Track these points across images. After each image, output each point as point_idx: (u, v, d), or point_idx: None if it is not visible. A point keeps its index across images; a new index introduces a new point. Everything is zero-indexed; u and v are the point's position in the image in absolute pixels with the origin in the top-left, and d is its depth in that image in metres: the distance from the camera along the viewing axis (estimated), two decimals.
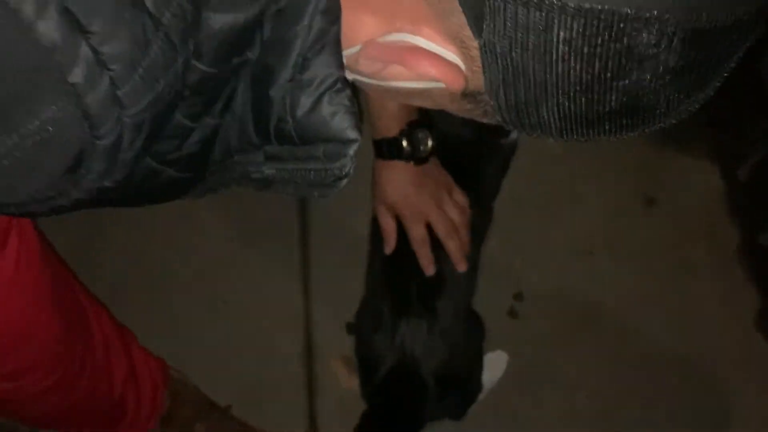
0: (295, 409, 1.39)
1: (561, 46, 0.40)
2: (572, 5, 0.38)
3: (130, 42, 0.35)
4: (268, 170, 0.52)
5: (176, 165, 0.46)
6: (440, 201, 1.12)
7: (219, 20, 0.40)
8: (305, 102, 0.46)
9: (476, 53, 0.43)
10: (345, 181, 0.50)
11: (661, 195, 1.60)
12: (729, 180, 1.60)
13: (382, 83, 0.49)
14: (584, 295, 1.51)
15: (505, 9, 0.39)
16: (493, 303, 1.41)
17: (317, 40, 0.45)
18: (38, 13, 0.32)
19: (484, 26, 0.41)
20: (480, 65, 0.43)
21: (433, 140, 0.97)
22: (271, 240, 1.51)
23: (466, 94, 0.47)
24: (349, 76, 0.50)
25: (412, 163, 1.05)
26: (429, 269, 1.14)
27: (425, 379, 1.16)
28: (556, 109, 0.43)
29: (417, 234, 1.13)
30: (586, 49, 0.40)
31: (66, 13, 0.33)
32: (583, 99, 0.42)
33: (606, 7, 0.38)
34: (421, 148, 0.97)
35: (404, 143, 0.99)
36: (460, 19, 0.41)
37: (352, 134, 0.48)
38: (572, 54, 0.40)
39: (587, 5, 0.38)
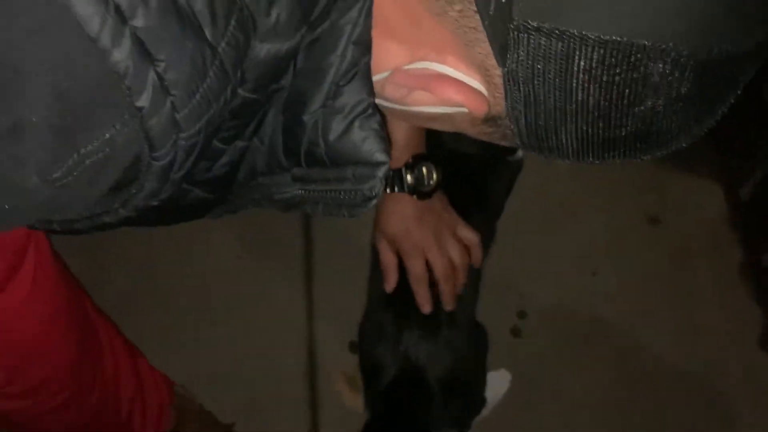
0: (298, 427, 1.39)
1: (581, 74, 0.42)
2: (592, 37, 0.40)
3: (191, 69, 0.37)
4: (295, 191, 0.53)
5: (204, 185, 0.48)
6: (442, 238, 1.10)
7: (264, 49, 0.42)
8: (337, 127, 0.49)
9: (499, 80, 0.45)
10: (374, 201, 0.52)
11: (664, 214, 1.60)
12: (732, 200, 1.61)
13: (405, 108, 0.51)
14: (588, 314, 1.51)
15: (528, 40, 0.41)
16: (496, 321, 1.40)
17: (350, 68, 0.47)
18: (114, 41, 0.34)
19: (508, 56, 0.43)
20: (502, 92, 0.45)
21: (438, 176, 0.96)
22: (275, 258, 1.52)
23: (487, 119, 0.48)
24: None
25: (415, 197, 1.03)
26: (425, 308, 1.11)
27: (431, 385, 1.15)
28: (574, 133, 0.45)
29: (415, 270, 1.10)
30: (605, 78, 0.41)
31: (138, 42, 0.35)
32: (601, 124, 0.44)
33: (625, 39, 0.40)
34: (425, 182, 0.97)
35: (408, 176, 0.98)
36: (484, 49, 0.43)
37: (381, 157, 0.50)
38: (591, 82, 0.42)
39: (607, 37, 0.40)
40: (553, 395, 1.43)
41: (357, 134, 0.49)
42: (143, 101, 0.36)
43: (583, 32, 0.40)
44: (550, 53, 0.41)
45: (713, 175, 1.63)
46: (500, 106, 0.47)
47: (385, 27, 0.47)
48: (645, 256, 1.57)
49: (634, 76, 0.41)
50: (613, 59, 0.41)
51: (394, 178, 1.00)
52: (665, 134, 0.46)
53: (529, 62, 0.42)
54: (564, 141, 0.46)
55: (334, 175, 0.51)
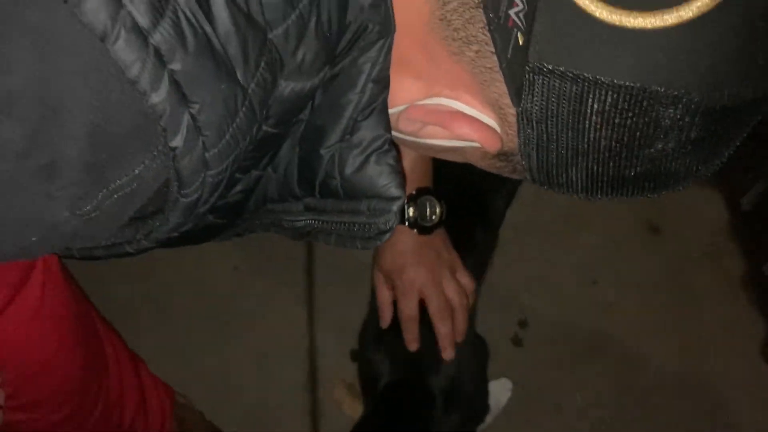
0: None
1: (594, 116, 0.43)
2: (606, 81, 0.41)
3: (224, 111, 0.38)
4: (307, 220, 0.54)
5: (217, 212, 0.49)
6: (439, 277, 1.06)
7: (289, 87, 0.43)
8: (353, 161, 0.50)
9: (512, 119, 0.46)
10: (388, 234, 0.53)
11: (665, 224, 1.61)
12: (733, 209, 1.61)
13: (417, 140, 0.52)
14: (589, 323, 1.51)
15: (543, 81, 0.42)
16: (497, 330, 1.41)
17: (368, 105, 0.48)
18: (153, 85, 0.35)
19: (523, 96, 0.44)
20: (515, 129, 0.46)
21: (441, 211, 0.95)
22: (277, 268, 1.52)
23: (499, 154, 0.50)
24: None
25: (415, 231, 1.00)
26: (412, 346, 1.07)
27: (432, 391, 1.13)
28: (584, 172, 0.46)
29: (406, 309, 1.06)
30: (617, 120, 0.43)
31: (175, 85, 0.35)
32: (611, 164, 0.45)
33: (638, 85, 0.41)
34: (427, 217, 0.96)
35: (410, 209, 0.97)
36: (499, 88, 0.45)
37: (396, 192, 0.51)
38: (604, 124, 0.43)
39: (620, 82, 0.41)
40: (553, 404, 1.43)
41: (373, 169, 0.50)
42: (177, 142, 0.37)
43: (597, 76, 0.41)
44: (564, 95, 0.43)
45: (714, 185, 1.63)
46: (513, 143, 0.48)
47: (402, 63, 0.48)
48: (645, 265, 1.57)
49: (646, 119, 0.42)
50: (626, 103, 0.42)
51: None
52: (673, 175, 0.47)
53: (543, 103, 0.43)
54: (574, 178, 0.47)
55: (348, 207, 0.52)
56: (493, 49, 0.43)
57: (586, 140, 0.44)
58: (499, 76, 0.44)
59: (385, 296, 1.09)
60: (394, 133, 0.52)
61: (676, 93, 0.41)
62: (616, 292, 1.53)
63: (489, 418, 1.33)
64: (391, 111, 0.50)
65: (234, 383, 1.40)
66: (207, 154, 0.39)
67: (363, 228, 0.53)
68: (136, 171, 0.37)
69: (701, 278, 1.55)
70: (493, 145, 0.48)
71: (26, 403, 0.88)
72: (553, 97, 0.43)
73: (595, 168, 0.46)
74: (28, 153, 0.34)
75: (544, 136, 0.45)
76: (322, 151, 0.50)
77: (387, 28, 0.46)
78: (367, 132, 0.49)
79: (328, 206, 0.53)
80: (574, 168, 0.46)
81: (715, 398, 1.44)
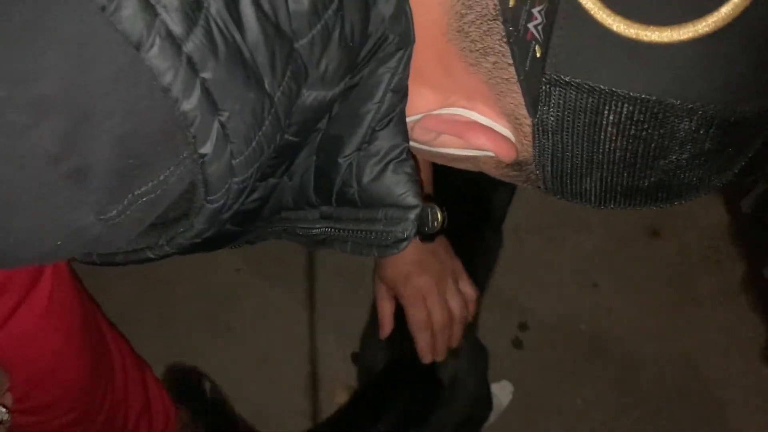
0: None
1: (609, 127, 0.44)
2: (622, 93, 0.42)
3: (252, 119, 0.38)
4: (322, 228, 0.55)
5: (233, 219, 0.49)
6: (443, 287, 1.04)
7: (311, 96, 0.43)
8: (371, 170, 0.50)
9: (528, 129, 0.46)
10: (406, 243, 0.54)
11: (665, 227, 1.61)
12: (733, 212, 1.61)
13: (432, 149, 0.53)
14: (589, 326, 1.51)
15: (559, 93, 0.43)
16: (497, 333, 1.41)
17: (386, 115, 0.48)
18: (185, 92, 0.35)
19: (539, 107, 0.44)
20: (530, 139, 0.47)
21: (443, 218, 0.95)
22: (278, 270, 1.52)
23: (513, 164, 0.50)
24: None
25: (418, 238, 1.00)
26: (427, 358, 1.05)
27: (441, 378, 1.12)
28: (598, 182, 0.47)
29: (417, 317, 1.03)
30: (632, 132, 0.43)
31: (207, 93, 0.36)
32: (625, 174, 0.46)
33: (654, 97, 0.42)
34: (429, 224, 0.95)
35: None
36: (515, 99, 0.45)
37: (413, 201, 0.51)
38: (619, 135, 0.44)
39: (636, 94, 0.42)
40: (554, 407, 1.44)
41: (390, 178, 0.50)
42: (207, 149, 0.37)
43: (613, 88, 0.42)
44: (580, 106, 0.43)
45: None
46: (527, 153, 0.48)
47: (418, 74, 0.48)
48: (646, 268, 1.57)
49: (661, 131, 0.43)
50: (641, 115, 0.42)
51: None
52: (686, 185, 0.47)
53: (560, 114, 0.44)
54: (588, 188, 0.48)
55: (364, 215, 0.53)
56: (511, 61, 0.44)
57: (601, 151, 0.45)
58: (516, 87, 0.45)
59: (386, 307, 1.07)
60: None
61: (691, 106, 0.42)
62: (617, 295, 1.54)
63: (489, 421, 1.33)
64: (407, 120, 0.51)
65: (234, 386, 1.40)
66: (234, 162, 0.39)
67: (380, 236, 0.53)
68: (161, 177, 0.38)
69: (701, 281, 1.56)
70: (508, 155, 0.49)
71: (34, 406, 0.88)
72: (569, 108, 0.44)
73: (609, 178, 0.46)
74: (60, 158, 0.34)
75: (560, 146, 0.46)
76: (340, 160, 0.50)
77: (406, 39, 0.46)
78: (384, 141, 0.49)
79: (344, 215, 0.53)
80: (588, 178, 0.47)
81: (715, 401, 1.45)
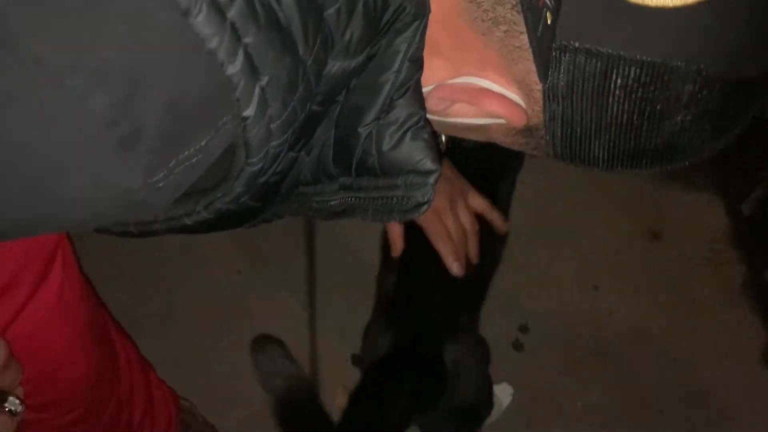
0: None
1: (617, 91, 0.45)
2: (629, 57, 0.44)
3: (287, 84, 0.40)
4: (341, 198, 0.56)
5: (252, 194, 0.50)
6: (454, 204, 1.09)
7: (336, 66, 0.45)
8: (390, 138, 0.52)
9: (539, 95, 0.48)
10: (426, 206, 0.55)
11: (665, 229, 1.61)
12: (733, 215, 1.61)
13: (444, 119, 0.54)
14: (589, 328, 1.51)
15: (569, 58, 0.45)
16: (498, 335, 1.41)
17: (404, 83, 0.50)
18: (229, 57, 0.37)
19: (550, 73, 0.46)
20: (541, 105, 0.48)
21: (447, 141, 0.97)
22: (278, 272, 1.52)
23: (523, 130, 0.52)
24: None
25: None
26: (454, 267, 1.07)
27: (445, 362, 1.13)
28: (606, 144, 0.49)
29: (437, 229, 1.07)
30: (639, 94, 0.45)
31: (248, 57, 0.37)
32: (632, 136, 0.48)
33: (660, 60, 0.44)
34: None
35: None
36: (526, 66, 0.47)
37: (432, 166, 0.52)
38: (626, 98, 0.45)
39: (643, 57, 0.43)
40: (554, 409, 1.44)
41: (409, 144, 0.52)
42: (249, 111, 0.39)
43: (621, 53, 0.44)
44: (589, 71, 0.45)
45: (714, 191, 1.64)
46: (538, 119, 0.50)
47: (432, 44, 0.49)
48: (646, 270, 1.57)
49: (666, 93, 0.45)
50: (647, 78, 0.44)
51: None
52: (690, 146, 0.49)
53: (569, 79, 0.46)
54: (596, 152, 0.50)
55: (384, 183, 0.54)
56: (522, 29, 0.45)
57: (609, 114, 0.46)
58: (527, 54, 0.46)
59: (396, 229, 1.11)
60: None
61: (695, 68, 0.44)
62: (617, 298, 1.54)
63: (489, 423, 1.32)
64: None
65: (236, 387, 1.40)
66: (272, 125, 0.41)
67: (400, 201, 0.54)
68: (203, 142, 0.39)
69: (702, 284, 1.56)
70: (519, 121, 0.50)
71: (40, 403, 0.88)
72: (578, 73, 0.45)
73: (617, 141, 0.48)
74: (114, 122, 0.35)
75: (569, 110, 0.47)
76: (360, 129, 0.51)
77: (422, 9, 0.47)
78: (402, 110, 0.51)
79: (364, 184, 0.55)
80: (597, 141, 0.49)
81: (715, 404, 1.45)
